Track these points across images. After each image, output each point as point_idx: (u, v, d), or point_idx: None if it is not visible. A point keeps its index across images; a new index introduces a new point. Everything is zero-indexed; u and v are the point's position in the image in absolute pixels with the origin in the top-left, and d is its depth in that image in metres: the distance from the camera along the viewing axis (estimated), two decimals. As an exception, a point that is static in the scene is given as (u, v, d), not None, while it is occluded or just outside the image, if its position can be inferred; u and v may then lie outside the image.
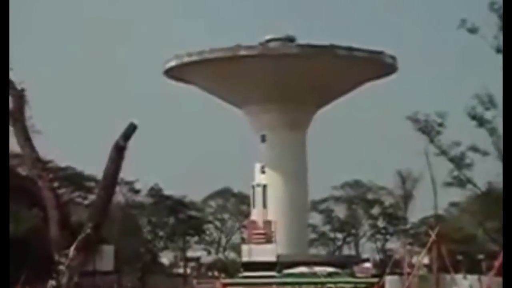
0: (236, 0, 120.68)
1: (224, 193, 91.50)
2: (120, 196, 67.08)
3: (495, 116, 33.52)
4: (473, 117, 33.80)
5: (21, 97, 13.00)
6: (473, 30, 30.06)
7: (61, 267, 12.66)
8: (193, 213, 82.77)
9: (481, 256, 60.00)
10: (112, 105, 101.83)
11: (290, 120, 65.27)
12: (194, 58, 64.68)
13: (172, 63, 66.13)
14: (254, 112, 66.35)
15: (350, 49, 63.85)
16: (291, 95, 64.32)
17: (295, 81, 63.39)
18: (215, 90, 69.00)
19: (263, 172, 62.96)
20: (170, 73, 67.83)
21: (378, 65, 66.27)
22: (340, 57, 63.85)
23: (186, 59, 65.13)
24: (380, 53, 65.72)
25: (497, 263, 30.69)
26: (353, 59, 64.20)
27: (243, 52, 62.78)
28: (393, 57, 66.92)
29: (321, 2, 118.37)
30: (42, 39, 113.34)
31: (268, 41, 64.61)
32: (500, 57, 29.45)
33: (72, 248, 12.62)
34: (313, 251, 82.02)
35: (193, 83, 69.79)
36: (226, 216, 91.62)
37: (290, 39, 64.11)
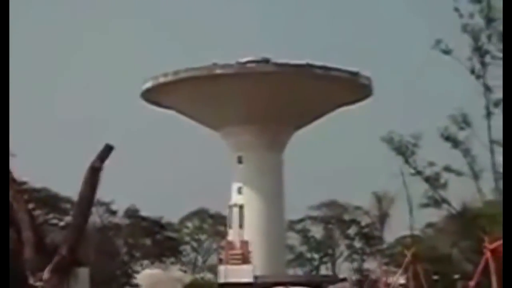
0: (211, 24, 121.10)
1: (201, 214, 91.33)
2: (96, 217, 66.68)
3: (469, 137, 33.90)
4: (447, 138, 34.17)
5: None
6: (447, 51, 30.46)
7: (36, 290, 12.59)
8: (170, 234, 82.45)
9: (456, 276, 60.34)
10: (88, 127, 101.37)
11: (266, 141, 65.43)
12: (170, 78, 64.67)
13: (148, 85, 66.11)
14: (230, 134, 66.35)
15: (326, 68, 64.29)
16: (268, 116, 64.45)
17: (272, 101, 63.56)
18: (191, 111, 68.88)
19: (239, 192, 62.91)
20: (147, 95, 67.73)
21: (354, 86, 66.75)
22: (316, 77, 64.22)
23: (162, 80, 65.11)
24: (356, 74, 66.27)
25: (472, 283, 30.89)
26: (329, 79, 64.61)
27: (219, 71, 62.89)
28: (368, 78, 67.49)
29: (294, 25, 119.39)
30: (18, 58, 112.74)
31: (244, 63, 64.90)
32: (472, 78, 29.90)
33: (46, 270, 12.55)
34: (290, 271, 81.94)
35: (170, 106, 69.69)
36: (203, 237, 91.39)
37: (266, 61, 64.45)
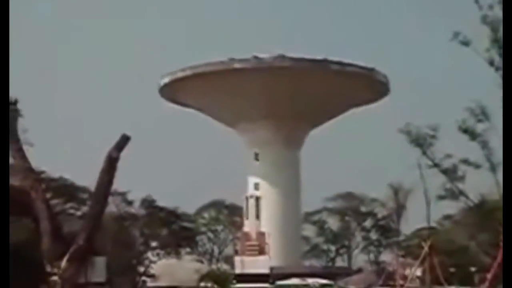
0: (225, 21, 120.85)
1: (217, 205, 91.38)
2: (113, 207, 66.89)
3: (487, 129, 33.59)
4: (464, 131, 33.86)
5: (14, 110, 13.04)
6: (465, 43, 30.11)
7: (54, 278, 12.65)
8: (186, 224, 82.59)
9: (473, 269, 60.05)
10: (106, 117, 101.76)
11: (283, 138, 65.38)
12: (188, 72, 64.62)
13: (166, 80, 66.16)
14: (247, 130, 66.25)
15: (342, 64, 63.91)
16: (285, 112, 64.27)
17: (288, 97, 63.36)
18: (208, 108, 68.84)
19: (256, 188, 63.08)
20: (165, 91, 67.75)
21: (371, 83, 66.35)
22: (332, 72, 63.90)
23: (180, 74, 65.08)
24: (372, 70, 65.86)
25: (489, 275, 30.74)
26: (346, 75, 64.25)
27: (237, 65, 62.75)
28: (385, 76, 67.08)
29: (308, 21, 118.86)
30: (37, 51, 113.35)
31: (261, 58, 64.75)
32: (492, 70, 29.58)
33: (64, 259, 12.59)
34: (306, 263, 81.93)
35: (187, 103, 69.69)
36: (219, 227, 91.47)
37: (282, 57, 64.30)
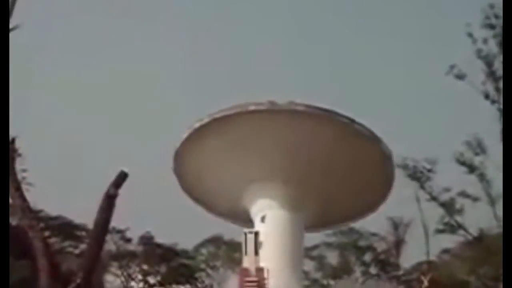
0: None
1: (216, 241, 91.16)
2: (111, 244, 66.72)
3: (484, 162, 33.79)
4: (462, 163, 34.05)
5: (13, 150, 13.11)
6: (460, 76, 30.44)
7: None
8: (184, 261, 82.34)
9: (474, 303, 59.69)
10: (104, 154, 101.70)
11: (291, 202, 63.07)
12: (206, 120, 63.84)
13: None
14: (255, 194, 63.04)
15: (351, 120, 62.48)
16: (295, 173, 61.79)
17: (299, 153, 61.32)
18: (220, 167, 64.69)
19: (262, 221, 62.51)
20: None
21: (377, 149, 63.79)
22: (341, 126, 62.14)
23: (197, 124, 64.37)
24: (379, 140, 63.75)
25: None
26: (353, 132, 62.40)
27: (252, 108, 61.74)
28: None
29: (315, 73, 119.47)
30: (36, 92, 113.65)
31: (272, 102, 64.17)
32: (487, 103, 29.84)
33: (62, 298, 12.56)
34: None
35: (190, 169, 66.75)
36: (218, 263, 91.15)
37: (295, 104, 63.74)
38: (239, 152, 63.24)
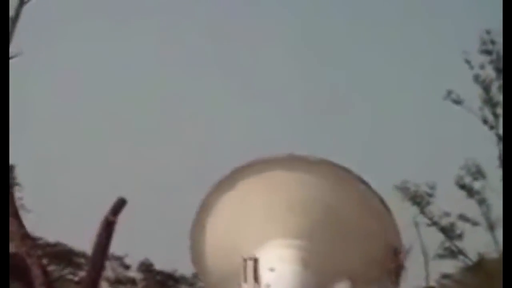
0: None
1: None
2: (110, 271, 66.47)
3: (484, 186, 33.82)
4: (462, 187, 34.11)
5: (11, 177, 13.11)
6: (458, 102, 30.58)
7: None
8: (184, 287, 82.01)
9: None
10: (102, 181, 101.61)
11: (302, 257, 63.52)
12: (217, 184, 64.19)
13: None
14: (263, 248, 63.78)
15: (363, 181, 63.08)
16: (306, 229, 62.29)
17: (314, 210, 61.84)
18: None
19: (271, 270, 62.21)
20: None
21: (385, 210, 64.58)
22: (356, 186, 62.74)
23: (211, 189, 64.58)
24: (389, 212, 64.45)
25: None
26: (367, 196, 62.95)
27: (272, 157, 62.28)
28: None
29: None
30: (35, 120, 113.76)
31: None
32: (485, 128, 29.93)
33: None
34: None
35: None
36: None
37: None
38: (249, 210, 63.06)
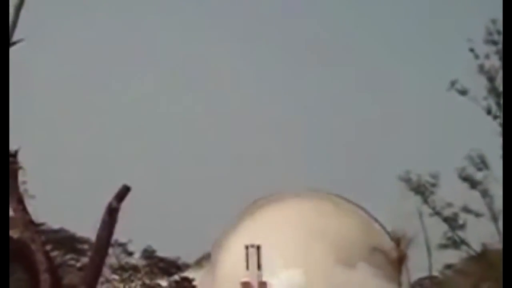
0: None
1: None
2: (113, 258, 66.59)
3: (487, 177, 33.72)
4: (465, 179, 34.00)
5: (15, 162, 13.11)
6: (463, 92, 30.43)
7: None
8: (187, 274, 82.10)
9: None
10: (106, 167, 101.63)
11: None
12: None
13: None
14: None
15: (372, 217, 62.46)
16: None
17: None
18: None
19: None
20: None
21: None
22: (362, 219, 62.37)
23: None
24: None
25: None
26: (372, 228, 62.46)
27: (286, 194, 61.90)
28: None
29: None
30: (39, 104, 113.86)
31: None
32: (489, 119, 29.82)
33: (63, 312, 12.54)
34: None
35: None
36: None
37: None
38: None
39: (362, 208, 61.95)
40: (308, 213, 60.84)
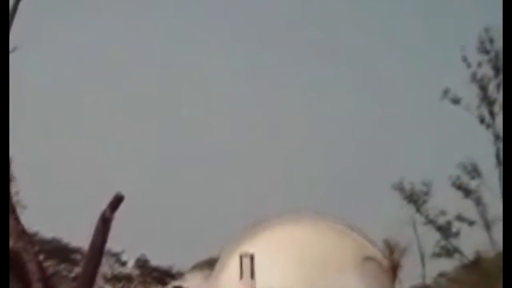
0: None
1: (211, 263, 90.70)
2: (106, 267, 66.44)
3: (480, 185, 33.81)
4: (458, 187, 34.09)
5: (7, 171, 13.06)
6: (455, 101, 30.55)
7: None
8: (180, 284, 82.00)
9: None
10: (99, 177, 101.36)
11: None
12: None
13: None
14: None
15: (364, 235, 62.49)
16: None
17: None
18: None
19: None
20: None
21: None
22: (358, 244, 62.44)
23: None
24: None
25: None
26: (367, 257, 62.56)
27: (274, 219, 62.09)
28: None
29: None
30: (30, 114, 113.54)
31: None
32: (482, 127, 29.91)
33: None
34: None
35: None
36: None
37: None
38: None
39: (356, 228, 62.23)
40: (303, 235, 61.08)
